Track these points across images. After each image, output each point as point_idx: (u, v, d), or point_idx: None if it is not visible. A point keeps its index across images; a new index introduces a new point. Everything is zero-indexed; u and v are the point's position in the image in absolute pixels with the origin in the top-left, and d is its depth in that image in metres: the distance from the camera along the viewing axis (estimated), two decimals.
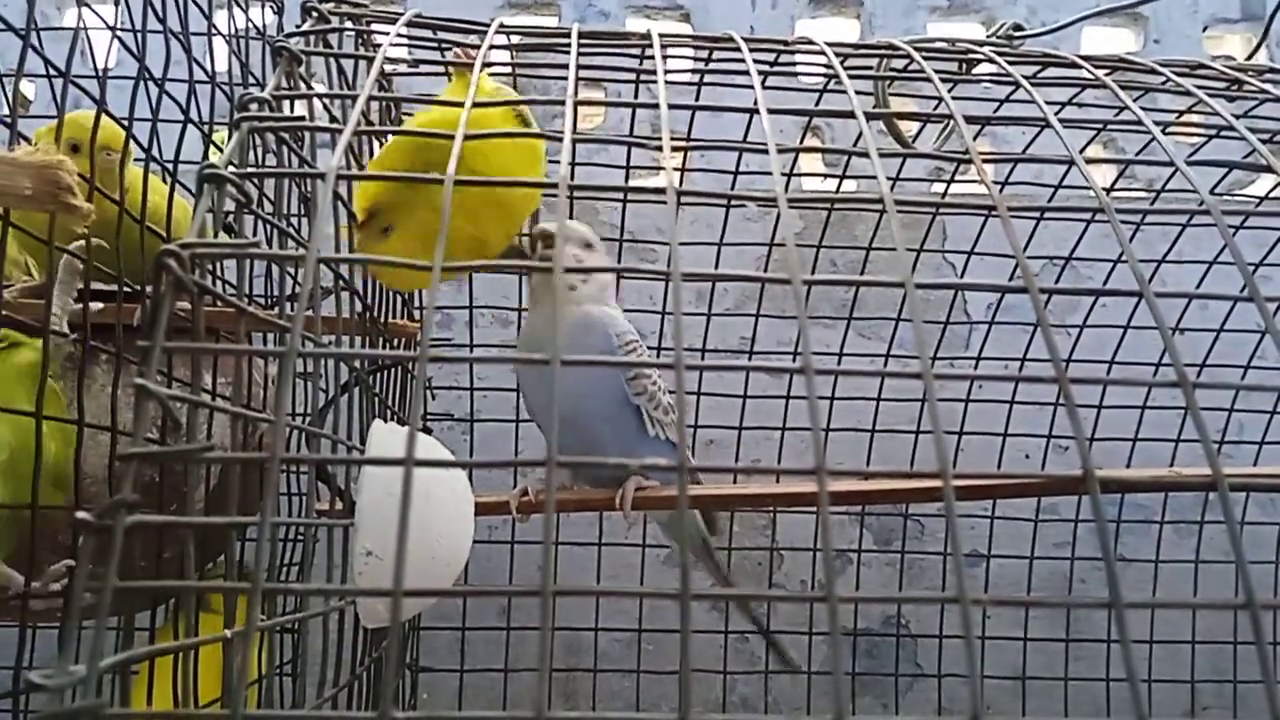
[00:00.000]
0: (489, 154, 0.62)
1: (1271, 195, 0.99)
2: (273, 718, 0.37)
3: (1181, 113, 0.72)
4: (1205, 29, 1.21)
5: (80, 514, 0.29)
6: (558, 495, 0.77)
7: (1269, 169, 0.46)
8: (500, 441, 1.04)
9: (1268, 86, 0.58)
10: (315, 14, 0.56)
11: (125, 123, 0.62)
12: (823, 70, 0.69)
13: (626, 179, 0.95)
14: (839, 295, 1.11)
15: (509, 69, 0.80)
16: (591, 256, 0.82)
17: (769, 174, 0.39)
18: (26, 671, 0.56)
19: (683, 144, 0.45)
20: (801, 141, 1.04)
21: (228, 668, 0.41)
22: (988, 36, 0.70)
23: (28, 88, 1.04)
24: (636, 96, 0.79)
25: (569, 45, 0.50)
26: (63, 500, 0.61)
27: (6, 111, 0.58)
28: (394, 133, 0.67)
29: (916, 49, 0.55)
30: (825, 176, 1.12)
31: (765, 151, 0.41)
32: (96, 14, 0.64)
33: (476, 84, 0.44)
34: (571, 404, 0.77)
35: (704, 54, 0.66)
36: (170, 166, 0.67)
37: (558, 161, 0.38)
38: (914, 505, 1.07)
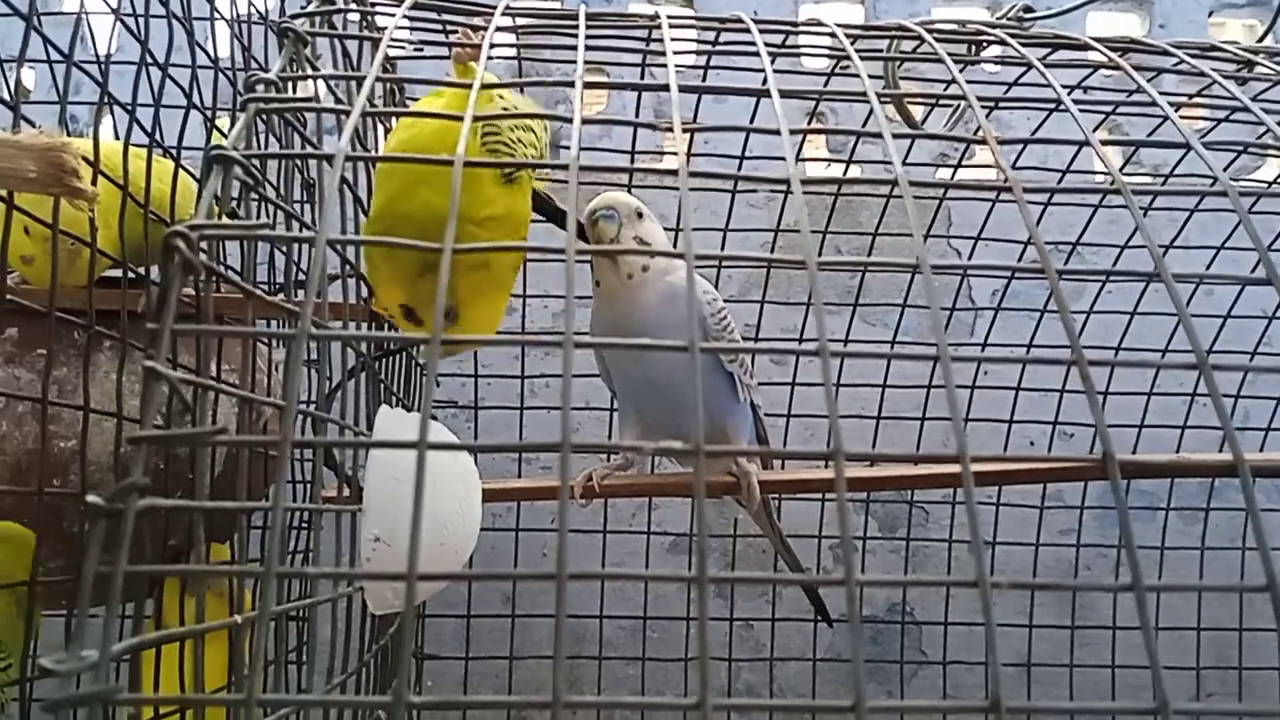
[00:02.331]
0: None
1: None
2: (287, 702, 0.37)
3: (1192, 95, 0.72)
4: (1211, 14, 1.21)
5: (90, 498, 0.29)
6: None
7: None
8: (504, 428, 1.04)
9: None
10: None
11: (128, 107, 0.62)
12: (831, 52, 0.69)
13: (632, 164, 0.95)
14: (844, 282, 1.11)
15: (513, 51, 0.79)
16: (645, 225, 0.77)
17: (775, 159, 0.38)
18: (36, 657, 0.57)
19: (693, 126, 0.45)
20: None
21: (234, 652, 0.41)
22: (996, 19, 0.69)
23: (29, 73, 1.03)
24: (642, 79, 0.79)
25: (575, 27, 0.50)
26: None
27: (9, 96, 0.58)
28: (400, 114, 0.67)
29: (927, 31, 0.55)
30: (831, 162, 1.12)
31: (776, 134, 0.40)
32: None
33: (480, 72, 0.44)
34: (663, 373, 0.75)
35: (711, 36, 0.65)
36: (173, 151, 0.67)
37: (567, 147, 0.37)
38: (919, 492, 1.07)
